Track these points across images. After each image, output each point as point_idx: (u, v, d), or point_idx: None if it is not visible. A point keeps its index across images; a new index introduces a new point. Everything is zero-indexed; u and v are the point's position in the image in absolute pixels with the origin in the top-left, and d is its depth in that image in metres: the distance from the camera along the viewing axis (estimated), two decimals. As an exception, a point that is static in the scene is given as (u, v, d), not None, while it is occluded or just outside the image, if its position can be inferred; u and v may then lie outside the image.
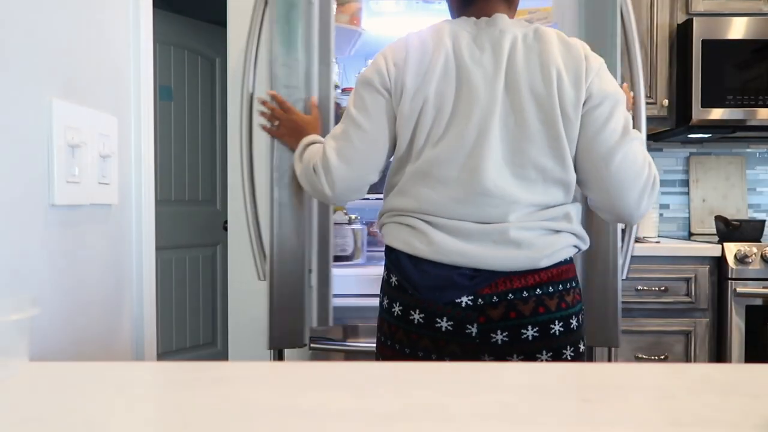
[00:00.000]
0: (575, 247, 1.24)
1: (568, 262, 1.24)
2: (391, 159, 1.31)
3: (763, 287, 2.00)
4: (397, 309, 1.24)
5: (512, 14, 1.29)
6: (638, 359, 2.02)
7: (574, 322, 1.21)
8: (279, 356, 2.06)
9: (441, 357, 1.21)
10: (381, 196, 1.98)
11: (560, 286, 1.20)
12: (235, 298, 2.50)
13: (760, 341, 2.01)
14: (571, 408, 0.54)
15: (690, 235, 2.77)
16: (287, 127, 1.59)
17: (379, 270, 2.06)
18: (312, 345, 2.01)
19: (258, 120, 1.65)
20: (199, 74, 3.56)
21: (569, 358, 1.21)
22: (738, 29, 2.30)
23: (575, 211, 1.24)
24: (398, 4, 2.27)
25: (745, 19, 2.31)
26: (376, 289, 1.94)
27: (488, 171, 1.17)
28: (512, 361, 1.19)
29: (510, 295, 1.17)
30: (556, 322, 1.19)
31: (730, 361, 2.02)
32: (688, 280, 2.15)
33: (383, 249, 1.37)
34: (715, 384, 0.65)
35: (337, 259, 1.71)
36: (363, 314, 2.06)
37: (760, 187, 2.81)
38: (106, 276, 0.94)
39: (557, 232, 1.21)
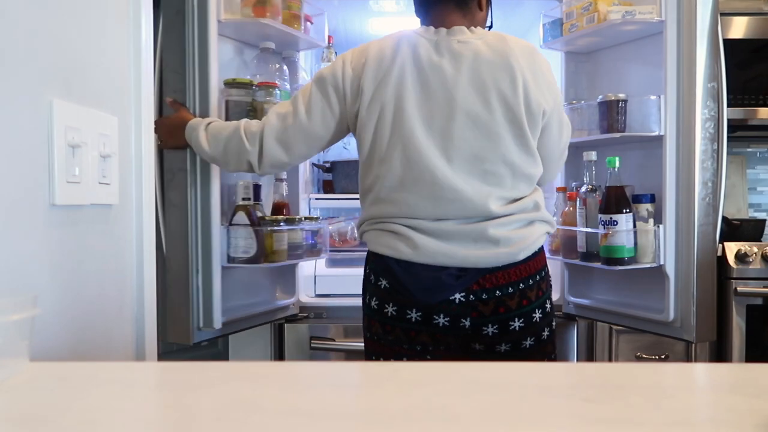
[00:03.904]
0: (546, 233, 1.34)
1: (541, 250, 1.33)
2: (358, 161, 1.36)
3: (764, 287, 2.00)
4: (390, 309, 1.28)
5: (471, 23, 1.35)
6: (638, 359, 2.02)
7: (547, 306, 1.32)
8: (279, 356, 2.06)
9: (437, 348, 1.28)
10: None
11: (537, 276, 1.30)
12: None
13: (761, 341, 2.01)
14: (572, 408, 0.54)
15: (690, 235, 2.76)
16: (164, 132, 1.55)
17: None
18: (312, 344, 2.01)
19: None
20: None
21: (545, 338, 1.32)
22: (738, 29, 2.29)
23: (541, 198, 1.34)
24: (398, 4, 2.27)
25: (745, 18, 2.30)
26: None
27: (456, 170, 1.25)
28: (501, 349, 1.30)
29: (498, 291, 1.26)
30: (537, 311, 1.29)
31: (730, 361, 2.02)
32: (688, 279, 2.14)
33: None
34: (715, 384, 0.65)
35: (235, 260, 1.67)
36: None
37: (761, 186, 2.80)
38: (107, 276, 0.94)
39: (531, 223, 1.30)
